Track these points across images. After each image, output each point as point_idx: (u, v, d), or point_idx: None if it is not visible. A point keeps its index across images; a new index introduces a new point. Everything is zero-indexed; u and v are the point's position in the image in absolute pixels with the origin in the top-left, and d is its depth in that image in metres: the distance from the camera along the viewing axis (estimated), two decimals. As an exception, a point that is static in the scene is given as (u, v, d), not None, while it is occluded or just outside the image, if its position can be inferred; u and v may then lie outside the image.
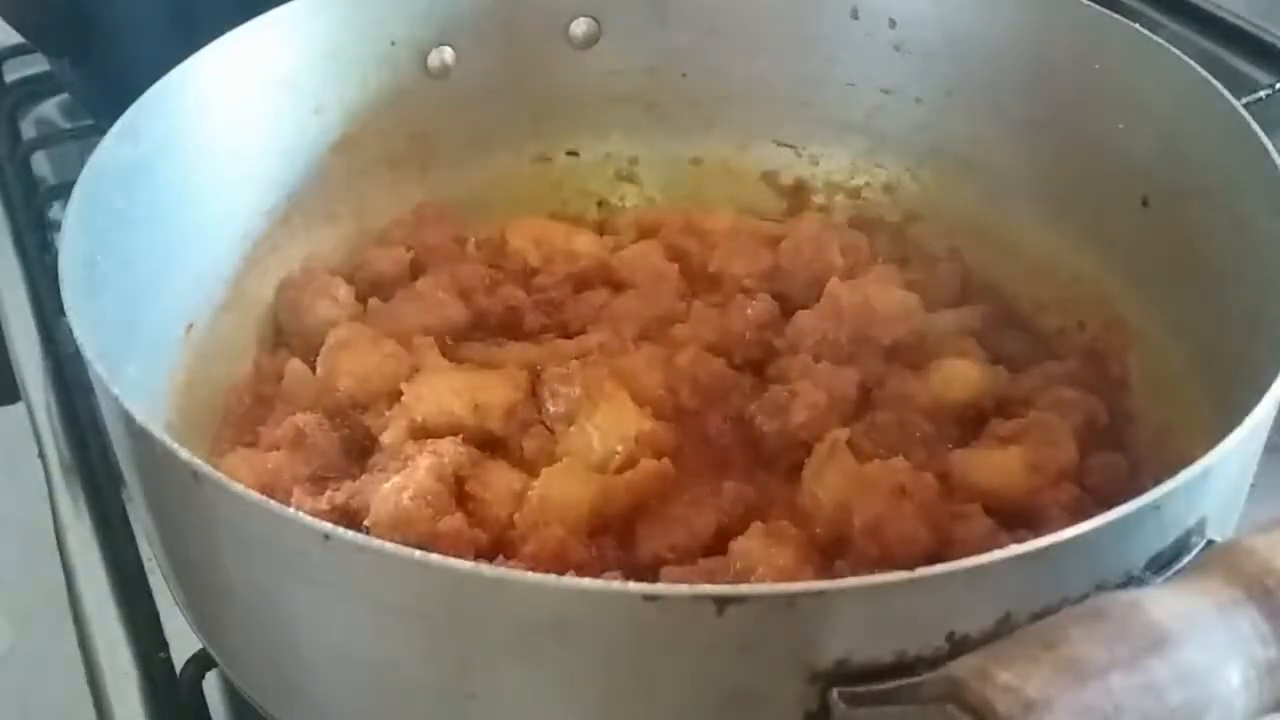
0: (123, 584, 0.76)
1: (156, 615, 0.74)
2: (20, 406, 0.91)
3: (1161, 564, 0.50)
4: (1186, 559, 0.50)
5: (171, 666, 0.72)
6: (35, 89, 1.20)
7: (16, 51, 1.21)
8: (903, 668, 0.46)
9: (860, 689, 0.46)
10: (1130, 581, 0.49)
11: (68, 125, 1.17)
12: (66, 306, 0.58)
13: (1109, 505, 0.47)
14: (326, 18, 0.80)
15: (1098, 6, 0.76)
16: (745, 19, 0.86)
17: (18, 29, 1.05)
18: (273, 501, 0.48)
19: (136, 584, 0.75)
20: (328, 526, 0.47)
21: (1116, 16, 0.75)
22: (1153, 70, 0.72)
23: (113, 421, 0.58)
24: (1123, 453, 0.71)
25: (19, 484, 0.93)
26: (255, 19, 0.76)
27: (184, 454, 0.50)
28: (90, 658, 0.73)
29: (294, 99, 0.80)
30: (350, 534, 0.47)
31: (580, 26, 0.86)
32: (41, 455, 0.86)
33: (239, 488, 0.49)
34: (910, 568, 0.45)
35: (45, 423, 0.87)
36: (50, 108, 1.21)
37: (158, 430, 0.52)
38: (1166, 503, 0.48)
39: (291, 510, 0.48)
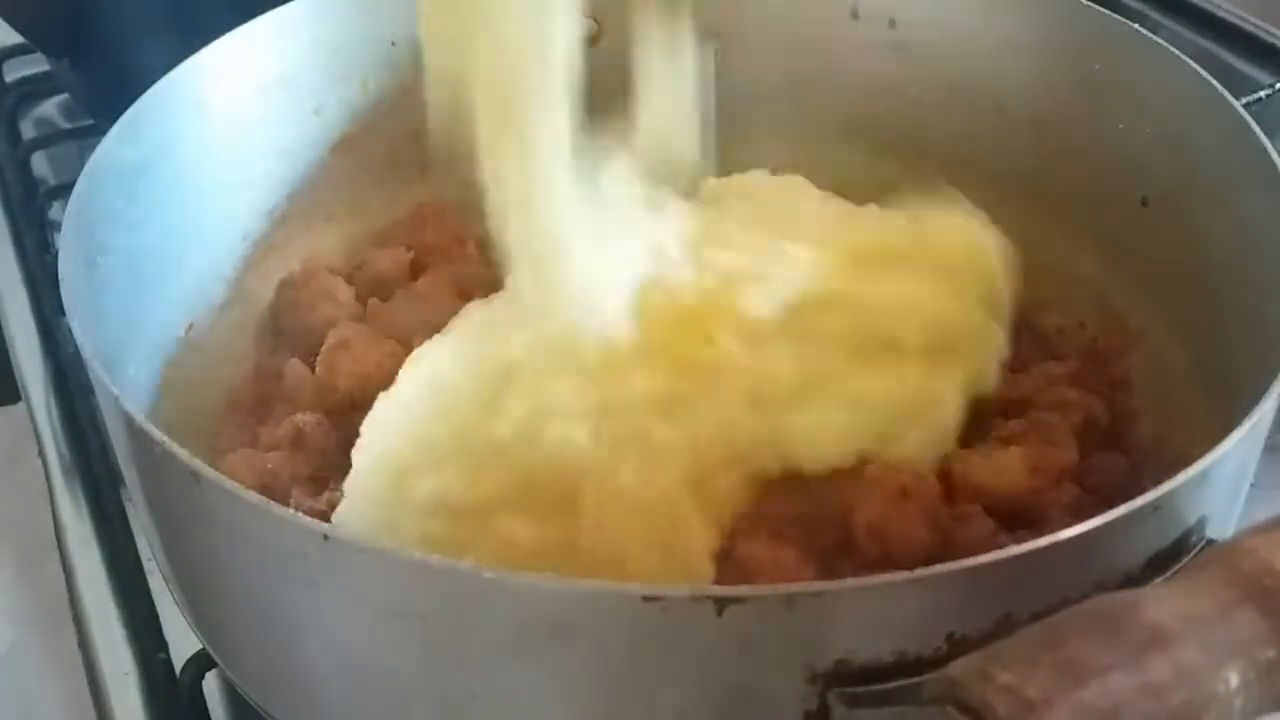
0: (123, 584, 0.76)
1: (156, 615, 0.74)
2: (20, 406, 0.91)
3: (1161, 564, 0.50)
4: (1186, 559, 0.50)
5: (171, 666, 0.72)
6: (35, 89, 1.19)
7: (16, 51, 1.20)
8: (902, 668, 0.46)
9: (860, 689, 0.46)
10: (1130, 581, 0.49)
11: (68, 125, 1.17)
12: (66, 306, 0.58)
13: (1109, 505, 0.47)
14: (326, 18, 0.80)
15: (1098, 7, 0.76)
16: (745, 20, 0.86)
17: (18, 29, 1.05)
18: (273, 502, 0.48)
19: (136, 584, 0.76)
20: (327, 527, 0.47)
21: (1116, 17, 0.75)
22: (1153, 70, 0.72)
23: (113, 421, 0.58)
24: (1123, 453, 0.71)
25: (19, 484, 0.92)
26: (255, 19, 0.76)
27: (184, 454, 0.50)
28: (90, 658, 0.73)
29: (294, 99, 0.80)
30: (349, 534, 0.47)
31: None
32: (41, 455, 0.85)
33: (239, 488, 0.49)
34: (911, 568, 0.45)
35: (45, 423, 0.87)
36: (50, 108, 1.20)
37: (158, 430, 0.52)
38: (1166, 503, 0.48)
39: (291, 511, 0.48)
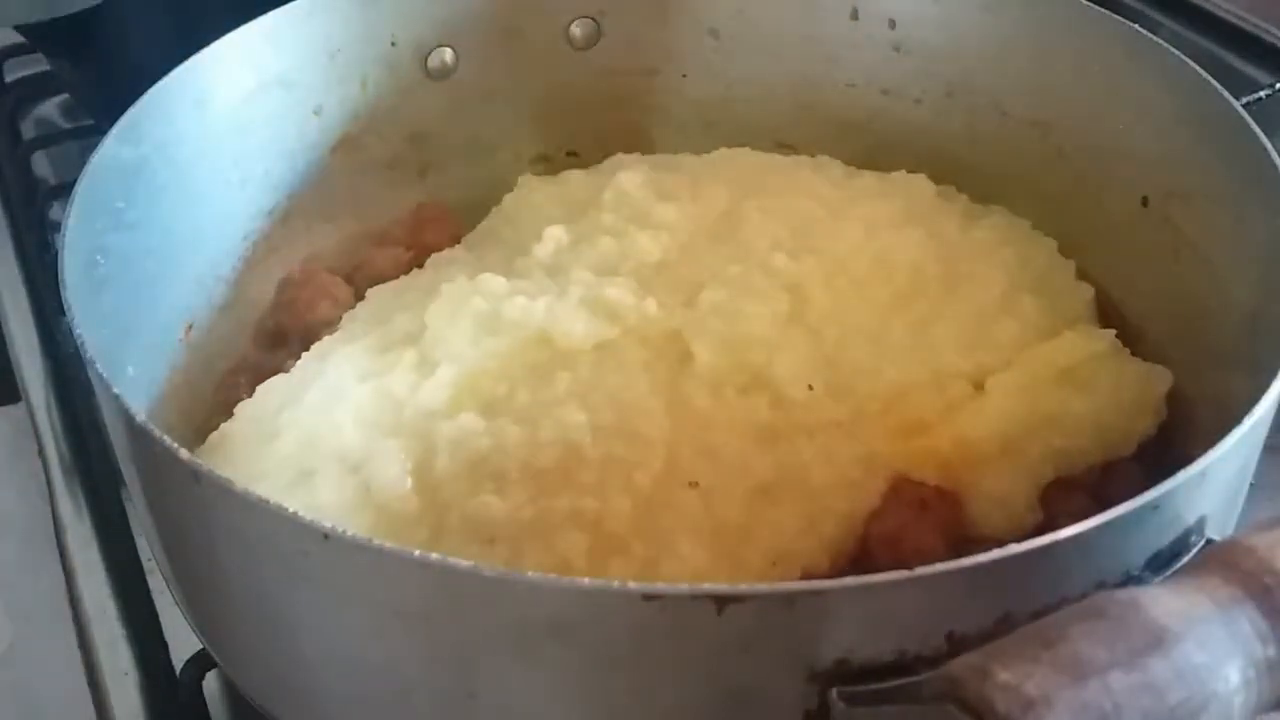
0: (123, 584, 0.76)
1: (156, 615, 0.74)
2: (20, 406, 0.91)
3: (1161, 563, 0.50)
4: (1186, 558, 0.50)
5: (171, 666, 0.72)
6: (35, 89, 1.20)
7: (16, 51, 1.21)
8: (902, 667, 0.46)
9: (860, 688, 0.46)
10: (1129, 580, 0.49)
11: (68, 125, 1.17)
12: (66, 306, 0.58)
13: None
14: (327, 18, 0.80)
15: (1097, 7, 0.76)
16: (745, 20, 0.86)
17: (18, 29, 1.05)
18: (272, 501, 0.48)
19: (136, 584, 0.76)
20: (327, 525, 0.47)
21: (1116, 17, 0.75)
22: (1152, 70, 0.72)
23: (113, 421, 0.58)
24: (1137, 460, 0.70)
25: (19, 484, 0.92)
26: (255, 20, 0.76)
27: (184, 454, 0.50)
28: (90, 658, 0.73)
29: (294, 99, 0.80)
30: (350, 533, 0.47)
31: (580, 27, 0.86)
32: (41, 455, 0.86)
33: (239, 487, 0.49)
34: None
35: (45, 423, 0.87)
36: (50, 108, 1.21)
37: (158, 430, 0.52)
38: (1165, 502, 0.48)
39: (291, 509, 0.48)
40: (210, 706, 0.71)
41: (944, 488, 0.66)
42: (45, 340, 0.92)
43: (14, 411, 0.93)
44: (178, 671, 0.71)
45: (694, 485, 0.64)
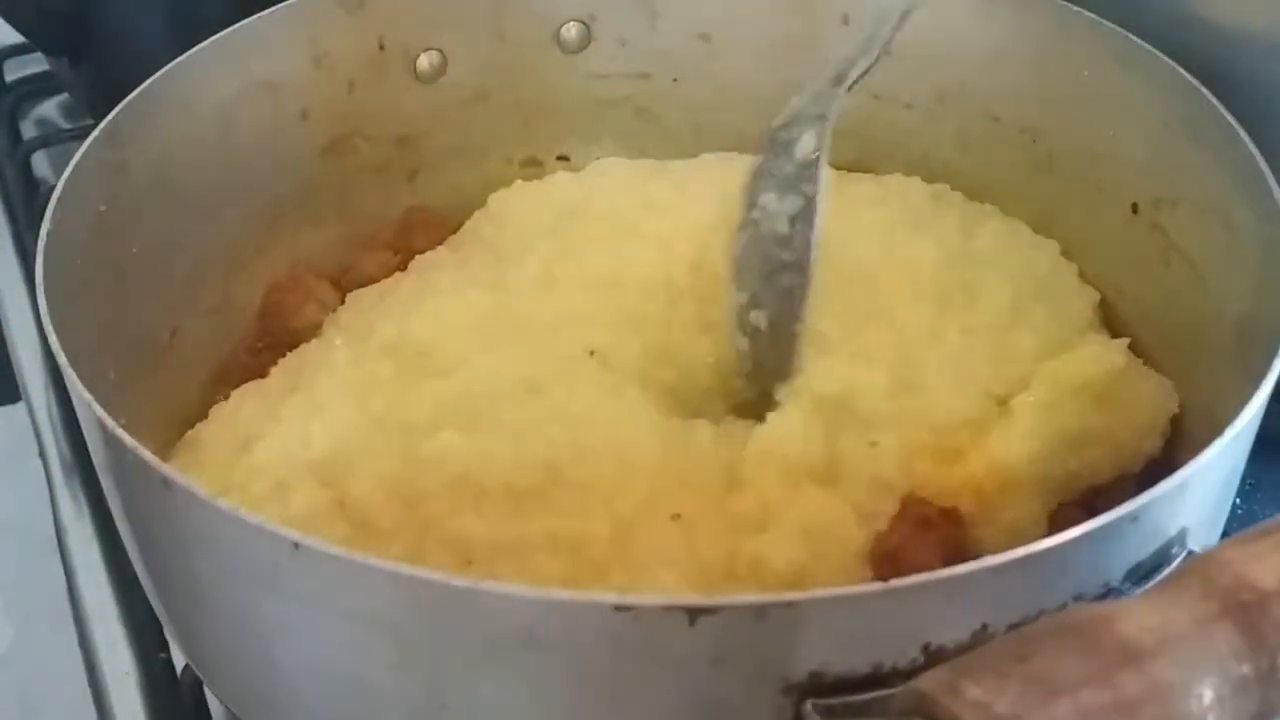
0: (123, 584, 0.76)
1: (156, 615, 0.74)
2: (20, 406, 0.91)
3: (1141, 575, 0.49)
4: (1167, 570, 0.50)
5: (172, 667, 0.72)
6: (35, 89, 1.20)
7: (16, 51, 1.21)
8: (878, 679, 0.46)
9: (834, 701, 0.46)
10: (1109, 593, 0.48)
11: (68, 125, 1.18)
12: (43, 311, 0.58)
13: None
14: (314, 21, 0.79)
15: (1088, 13, 0.75)
16: (736, 24, 0.86)
17: (18, 29, 1.05)
18: (242, 510, 0.48)
19: (136, 584, 0.75)
20: (297, 535, 0.46)
21: (1107, 23, 0.74)
22: (1142, 75, 0.72)
23: (88, 428, 0.57)
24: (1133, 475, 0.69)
25: (19, 484, 0.93)
26: (241, 22, 0.76)
27: (153, 460, 0.50)
28: (90, 658, 0.73)
29: (281, 102, 0.79)
30: (319, 543, 0.46)
31: (571, 31, 0.86)
32: (41, 455, 0.86)
33: (209, 495, 0.49)
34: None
35: (45, 423, 0.87)
36: (50, 108, 1.21)
37: (129, 438, 0.51)
38: (1144, 513, 0.48)
39: (260, 518, 0.47)
40: (211, 707, 0.71)
41: (948, 507, 0.64)
42: (45, 340, 0.92)
43: (14, 411, 0.93)
44: (178, 672, 0.72)
45: (676, 517, 0.62)
